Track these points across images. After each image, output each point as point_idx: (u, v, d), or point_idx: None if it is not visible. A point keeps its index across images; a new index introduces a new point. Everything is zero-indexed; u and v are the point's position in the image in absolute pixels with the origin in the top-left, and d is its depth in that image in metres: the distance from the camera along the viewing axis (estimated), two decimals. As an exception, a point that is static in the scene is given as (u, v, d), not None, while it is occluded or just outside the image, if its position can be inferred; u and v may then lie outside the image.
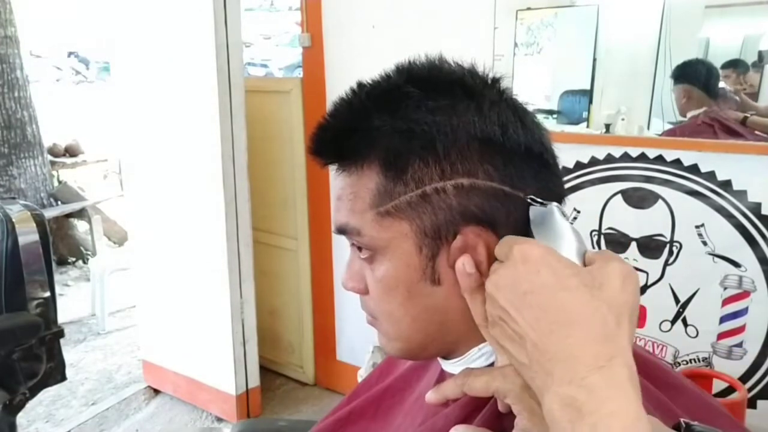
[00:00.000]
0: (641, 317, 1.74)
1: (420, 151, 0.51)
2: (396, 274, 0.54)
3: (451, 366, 0.60)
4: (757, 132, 1.64)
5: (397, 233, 0.52)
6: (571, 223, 0.50)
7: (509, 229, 0.51)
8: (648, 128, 1.82)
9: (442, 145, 0.50)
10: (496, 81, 0.55)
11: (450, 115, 0.51)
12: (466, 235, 0.51)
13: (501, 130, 0.51)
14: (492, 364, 0.56)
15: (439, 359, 0.62)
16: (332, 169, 0.56)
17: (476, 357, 0.57)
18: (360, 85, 0.55)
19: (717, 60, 1.73)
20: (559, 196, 0.56)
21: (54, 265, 2.90)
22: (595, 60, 1.89)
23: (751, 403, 1.62)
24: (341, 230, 0.56)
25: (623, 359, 0.41)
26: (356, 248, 0.56)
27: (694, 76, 1.76)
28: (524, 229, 0.52)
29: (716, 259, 1.61)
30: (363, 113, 0.52)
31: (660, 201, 1.66)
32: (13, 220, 1.49)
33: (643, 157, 1.66)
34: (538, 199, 0.51)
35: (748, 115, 1.65)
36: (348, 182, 0.54)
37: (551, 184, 0.55)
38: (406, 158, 0.51)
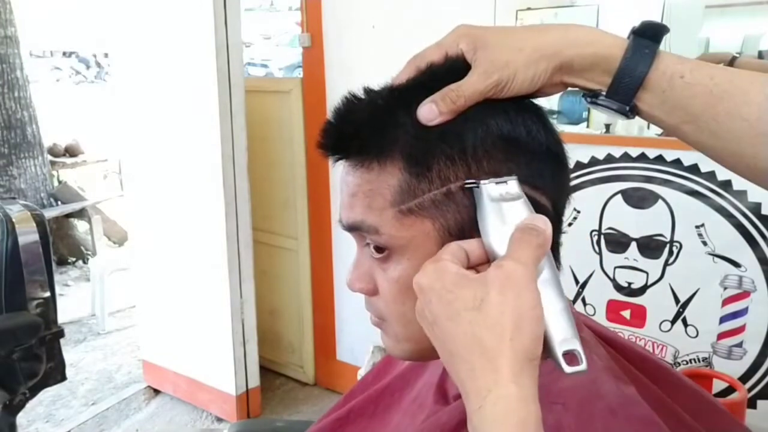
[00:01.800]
0: (641, 317, 1.74)
1: (447, 149, 0.50)
2: (415, 274, 0.53)
3: None
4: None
5: (418, 232, 0.51)
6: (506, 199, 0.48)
7: None
8: (648, 128, 1.82)
9: (471, 144, 0.50)
10: None
11: (480, 114, 0.50)
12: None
13: (526, 130, 0.51)
14: None
15: None
16: (342, 165, 0.55)
17: None
18: (368, 89, 0.55)
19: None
20: (569, 194, 0.56)
21: (54, 265, 2.90)
22: (595, 60, 1.89)
23: (751, 403, 1.62)
24: (354, 227, 0.54)
25: (497, 393, 0.40)
26: (369, 247, 0.54)
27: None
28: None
29: (716, 259, 1.61)
30: (388, 109, 0.52)
31: (660, 201, 1.66)
32: (13, 220, 1.49)
33: (643, 157, 1.66)
34: (472, 180, 0.49)
35: (737, 55, 1.62)
36: (366, 178, 0.52)
37: (565, 183, 0.55)
38: (432, 155, 0.50)
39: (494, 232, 0.46)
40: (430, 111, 0.49)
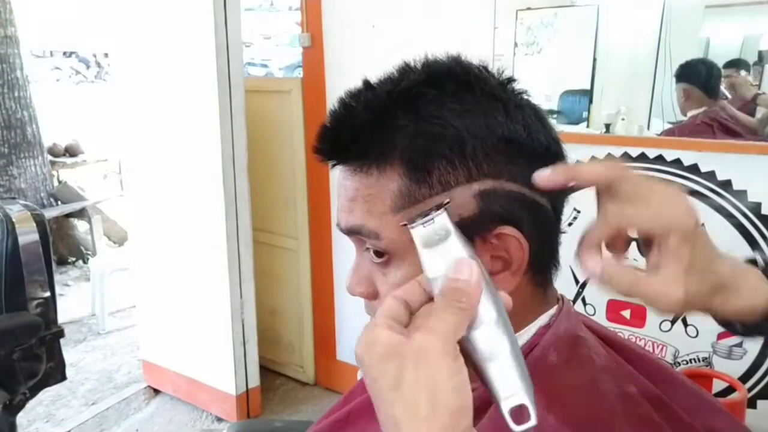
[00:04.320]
0: (641, 317, 1.74)
1: (447, 152, 0.49)
2: (416, 278, 0.53)
3: None
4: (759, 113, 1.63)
5: None
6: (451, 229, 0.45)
7: (533, 228, 0.51)
8: (648, 128, 1.82)
9: (471, 147, 0.49)
10: (511, 81, 0.55)
11: (479, 117, 0.50)
12: (500, 236, 0.51)
13: (526, 131, 0.51)
14: None
15: None
16: (340, 169, 0.54)
17: None
18: (369, 83, 0.54)
19: (717, 60, 1.73)
20: (567, 194, 0.56)
21: (54, 265, 2.90)
22: (595, 60, 1.89)
23: (751, 403, 1.62)
24: (354, 232, 0.54)
25: None
26: (369, 252, 0.54)
27: (693, 75, 1.76)
28: (548, 227, 0.52)
29: (716, 259, 1.61)
30: (385, 112, 0.51)
31: (660, 201, 1.66)
32: (13, 220, 1.49)
33: (643, 157, 1.66)
34: (403, 223, 0.47)
35: (761, 93, 1.63)
36: (365, 183, 0.52)
37: None
38: (432, 159, 0.49)
39: (432, 275, 0.44)
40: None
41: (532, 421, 0.40)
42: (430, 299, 0.44)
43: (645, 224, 0.47)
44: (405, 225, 0.46)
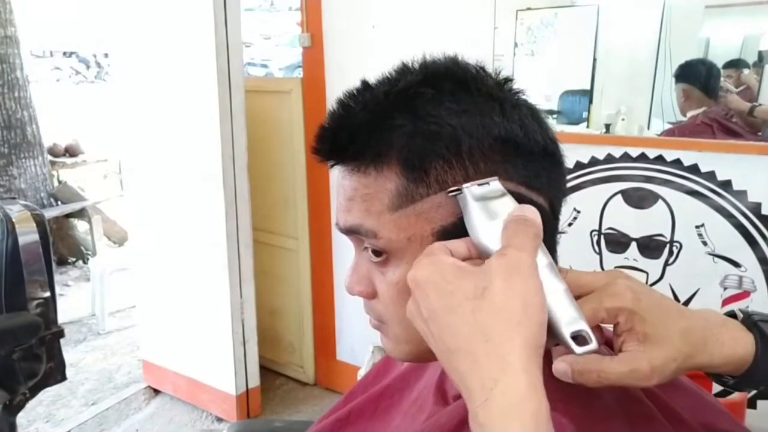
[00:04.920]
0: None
1: (444, 152, 0.49)
2: None
3: None
4: (759, 131, 1.64)
5: (417, 236, 0.51)
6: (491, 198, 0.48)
7: None
8: (648, 128, 1.82)
9: (467, 146, 0.49)
10: (507, 81, 0.55)
11: (475, 116, 0.50)
12: None
13: (522, 130, 0.51)
14: None
15: None
16: (338, 169, 0.54)
17: None
18: (367, 83, 0.54)
19: (717, 60, 1.73)
20: (565, 194, 0.56)
21: (54, 265, 2.90)
22: (595, 60, 1.89)
23: (751, 403, 1.62)
24: (352, 231, 0.54)
25: (506, 382, 0.39)
26: (367, 251, 0.54)
27: (693, 75, 1.76)
28: (546, 227, 0.52)
29: (716, 259, 1.61)
30: (383, 113, 0.51)
31: (660, 201, 1.66)
32: (13, 220, 1.49)
33: (643, 157, 1.66)
34: (453, 188, 0.49)
35: (757, 105, 1.64)
36: (363, 182, 0.52)
37: (561, 182, 0.55)
38: (429, 159, 0.50)
39: (483, 229, 0.46)
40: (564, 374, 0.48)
41: (593, 344, 0.43)
42: (470, 259, 0.46)
43: (597, 315, 0.49)
44: (456, 190, 0.48)
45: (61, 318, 1.60)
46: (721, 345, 0.50)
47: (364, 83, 0.54)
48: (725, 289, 1.61)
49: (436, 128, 0.49)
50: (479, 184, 0.48)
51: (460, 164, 0.50)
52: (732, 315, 0.54)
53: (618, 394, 0.52)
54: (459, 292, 0.42)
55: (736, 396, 1.52)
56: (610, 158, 1.71)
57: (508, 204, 0.47)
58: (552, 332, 0.44)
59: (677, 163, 1.62)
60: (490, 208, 0.47)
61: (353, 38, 2.12)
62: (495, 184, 0.48)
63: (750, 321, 0.52)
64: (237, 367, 2.25)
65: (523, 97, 0.55)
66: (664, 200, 1.65)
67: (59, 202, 4.28)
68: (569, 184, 1.90)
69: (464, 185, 0.48)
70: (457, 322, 0.41)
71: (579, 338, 0.44)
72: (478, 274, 0.42)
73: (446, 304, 0.42)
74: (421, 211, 0.51)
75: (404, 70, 0.54)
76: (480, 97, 0.51)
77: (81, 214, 4.32)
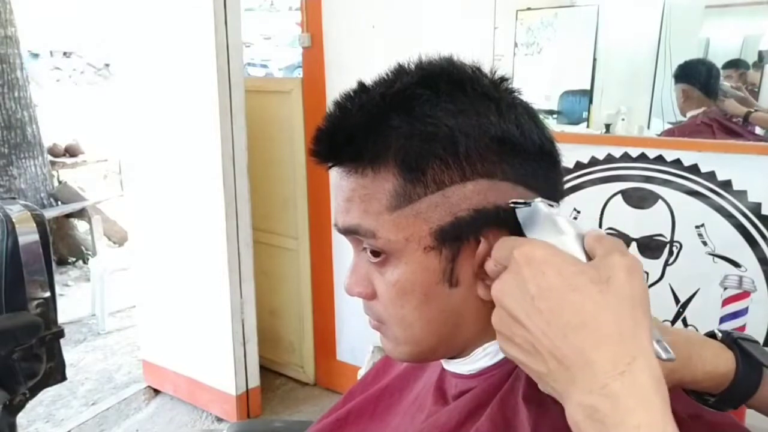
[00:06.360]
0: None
1: (441, 152, 0.50)
2: (412, 277, 0.53)
3: (454, 366, 0.60)
4: (758, 130, 1.64)
5: (414, 236, 0.51)
6: (556, 209, 0.50)
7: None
8: (648, 128, 1.82)
9: (464, 147, 0.50)
10: (503, 81, 0.55)
11: (472, 116, 0.50)
12: (488, 237, 0.51)
13: (519, 130, 0.51)
14: (497, 363, 0.57)
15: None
16: (336, 170, 0.55)
17: (480, 357, 0.57)
18: (363, 85, 0.54)
19: (717, 60, 1.73)
20: (562, 194, 0.56)
21: (54, 265, 2.90)
22: (595, 60, 1.89)
23: (751, 403, 1.62)
24: (351, 231, 0.54)
25: (645, 361, 0.40)
26: (366, 252, 0.54)
27: (692, 76, 1.76)
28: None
29: (716, 259, 1.61)
30: (379, 114, 0.51)
31: (660, 201, 1.66)
32: (13, 220, 1.49)
33: (643, 157, 1.66)
34: (520, 200, 0.50)
35: (752, 111, 1.65)
36: (361, 183, 0.52)
37: (558, 182, 0.56)
38: (426, 159, 0.50)
39: (556, 241, 0.47)
40: None
41: (672, 354, 0.43)
42: None
43: None
44: (522, 203, 0.50)
45: (61, 318, 1.60)
46: (704, 361, 0.52)
47: (361, 84, 0.54)
48: (725, 289, 1.61)
49: (432, 129, 0.50)
50: (542, 202, 0.49)
51: (456, 164, 0.50)
52: (711, 336, 0.56)
53: None
54: (583, 275, 0.42)
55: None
56: (610, 158, 1.71)
57: (564, 221, 0.48)
58: None
59: (677, 163, 1.62)
60: (558, 223, 0.48)
61: (353, 38, 2.12)
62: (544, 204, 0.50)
63: (730, 339, 0.54)
64: (237, 367, 2.25)
65: (519, 96, 0.55)
66: (664, 200, 1.65)
67: (59, 202, 4.28)
68: (569, 185, 1.91)
69: (536, 199, 0.49)
70: (583, 299, 0.42)
71: (660, 344, 0.44)
72: (599, 266, 0.43)
73: (570, 283, 0.42)
74: (419, 211, 0.51)
75: (400, 71, 0.54)
76: (476, 97, 0.52)
77: (81, 214, 4.32)
